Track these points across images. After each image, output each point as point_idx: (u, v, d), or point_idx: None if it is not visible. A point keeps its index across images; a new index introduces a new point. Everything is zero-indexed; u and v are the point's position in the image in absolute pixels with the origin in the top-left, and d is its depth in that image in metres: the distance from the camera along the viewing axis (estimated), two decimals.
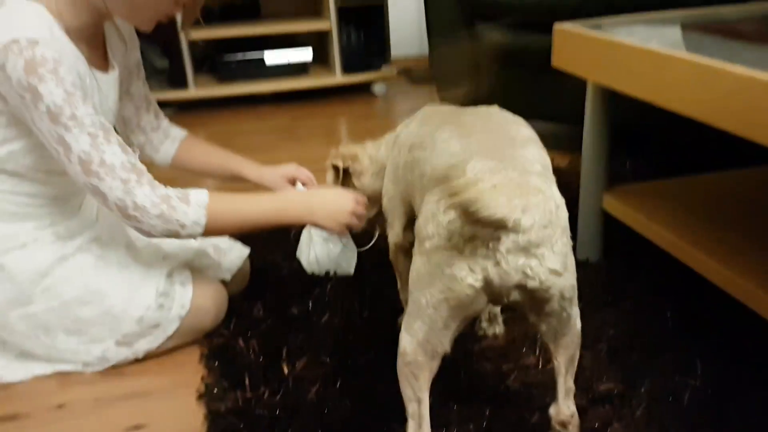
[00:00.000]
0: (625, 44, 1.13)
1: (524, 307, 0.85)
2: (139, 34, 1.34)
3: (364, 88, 3.21)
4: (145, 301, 1.24)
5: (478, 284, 0.79)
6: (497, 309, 1.28)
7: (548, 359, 1.19)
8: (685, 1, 1.59)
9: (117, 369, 1.27)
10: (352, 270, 1.40)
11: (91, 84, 1.15)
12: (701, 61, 0.96)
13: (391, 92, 3.23)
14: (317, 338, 1.29)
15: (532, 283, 0.79)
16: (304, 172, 1.46)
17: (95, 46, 1.21)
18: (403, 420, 0.90)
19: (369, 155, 1.29)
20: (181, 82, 2.90)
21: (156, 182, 1.13)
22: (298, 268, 1.53)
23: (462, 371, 1.19)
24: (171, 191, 1.13)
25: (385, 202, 1.20)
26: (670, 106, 1.04)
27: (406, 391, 0.89)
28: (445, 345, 0.85)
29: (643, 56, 1.09)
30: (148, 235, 1.14)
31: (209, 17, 3.02)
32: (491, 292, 0.80)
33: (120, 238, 1.31)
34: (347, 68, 3.09)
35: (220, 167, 1.48)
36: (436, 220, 0.80)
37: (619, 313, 1.31)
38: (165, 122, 1.47)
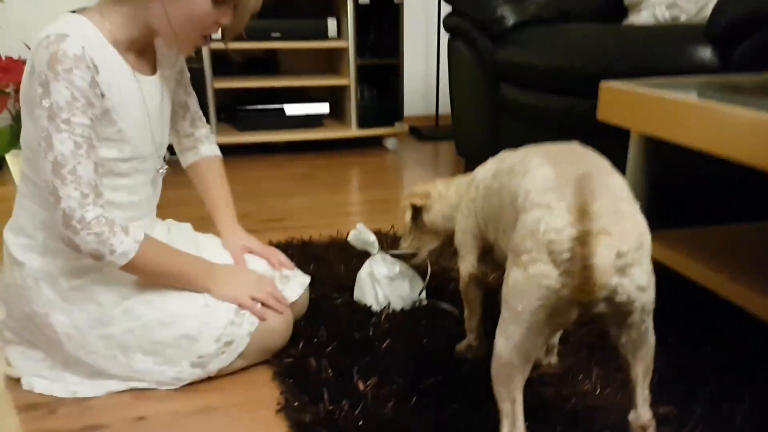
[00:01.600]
0: (678, 98, 1.27)
1: (608, 318, 0.94)
2: None
3: (376, 142, 3.36)
4: (221, 321, 1.30)
5: (571, 295, 0.86)
6: (556, 340, 1.37)
7: (605, 386, 1.28)
8: (701, 69, 1.76)
9: (192, 386, 1.31)
10: (423, 296, 1.54)
11: (129, 88, 1.23)
12: (754, 113, 1.10)
13: (401, 147, 3.38)
14: (383, 360, 1.35)
15: (620, 298, 0.88)
16: (265, 251, 1.52)
17: (144, 54, 1.29)
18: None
19: (438, 193, 1.42)
20: None
21: (107, 209, 1.19)
22: (349, 299, 1.61)
23: (526, 394, 1.26)
24: (116, 219, 1.19)
25: (458, 236, 1.31)
26: (721, 154, 1.17)
27: (500, 391, 0.97)
28: (537, 349, 0.94)
29: (695, 109, 1.23)
30: (73, 248, 1.17)
31: (231, 70, 3.17)
32: (582, 303, 0.89)
33: None
34: (362, 123, 3.23)
35: (209, 204, 1.55)
36: (535, 237, 0.89)
37: (665, 348, 1.40)
38: (202, 132, 1.53)
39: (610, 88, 1.47)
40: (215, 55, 2.96)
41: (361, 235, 1.61)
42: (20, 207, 1.29)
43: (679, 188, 1.67)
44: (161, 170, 1.38)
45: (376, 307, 1.56)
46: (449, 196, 1.39)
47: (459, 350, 1.38)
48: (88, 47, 1.14)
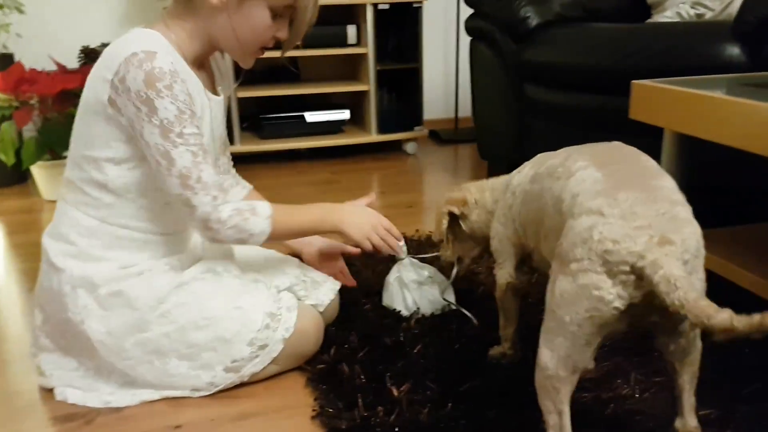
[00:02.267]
0: (712, 96, 1.25)
1: (658, 327, 0.91)
2: None
3: (396, 146, 3.35)
4: (255, 324, 1.30)
5: (624, 307, 0.84)
6: None
7: (644, 389, 1.26)
8: (730, 67, 1.73)
9: (225, 393, 1.31)
10: (452, 299, 1.53)
11: (203, 104, 1.26)
12: None
13: (421, 151, 3.37)
14: (416, 365, 1.34)
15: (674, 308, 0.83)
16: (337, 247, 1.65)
17: (207, 72, 1.34)
18: None
19: (475, 199, 1.39)
20: (228, 138, 3.01)
21: (233, 198, 1.27)
22: (379, 304, 1.60)
23: None
24: (242, 205, 1.26)
25: (495, 243, 1.29)
26: (755, 150, 1.15)
27: (545, 403, 0.93)
28: (586, 361, 0.90)
29: (729, 106, 1.21)
30: (219, 242, 1.30)
31: (253, 79, 3.19)
32: (634, 314, 0.86)
33: (231, 267, 1.38)
34: (382, 128, 3.23)
35: None
36: (587, 246, 0.85)
37: (704, 350, 1.37)
38: (234, 170, 1.57)
39: (643, 86, 1.45)
40: (237, 65, 2.97)
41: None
42: (63, 214, 1.30)
43: (713, 188, 1.64)
44: None
45: (405, 312, 1.55)
46: (485, 201, 1.37)
47: (492, 355, 1.36)
48: (175, 62, 1.18)
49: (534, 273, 1.30)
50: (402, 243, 1.58)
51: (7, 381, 1.40)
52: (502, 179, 1.34)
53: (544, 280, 0.99)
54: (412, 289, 1.56)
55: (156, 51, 1.15)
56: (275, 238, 1.32)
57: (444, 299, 1.56)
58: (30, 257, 2.02)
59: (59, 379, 1.33)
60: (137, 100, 1.15)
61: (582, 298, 0.85)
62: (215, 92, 1.35)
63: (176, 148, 1.17)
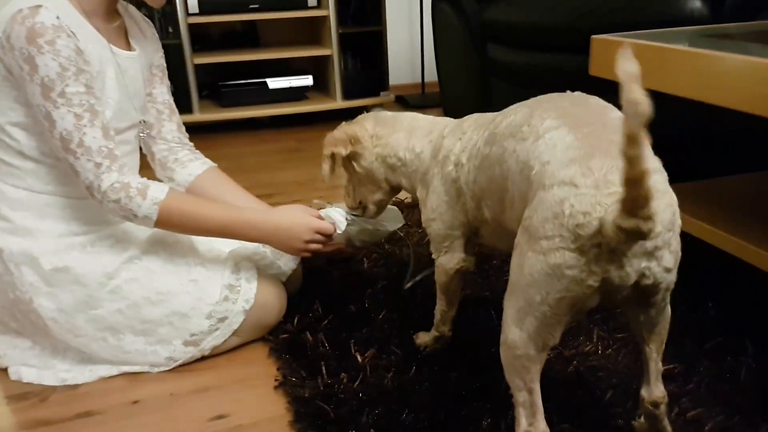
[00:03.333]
0: (671, 48, 1.23)
1: (630, 301, 0.87)
2: None
3: (361, 113, 3.29)
4: (212, 297, 1.26)
5: (597, 284, 0.80)
6: None
7: (606, 346, 1.26)
8: (692, 21, 1.71)
9: (186, 366, 1.28)
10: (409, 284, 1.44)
11: (103, 58, 1.19)
12: (747, 58, 1.06)
13: None
14: (381, 332, 1.32)
15: (646, 281, 0.81)
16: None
17: (116, 26, 1.25)
18: (483, 401, 0.91)
19: (372, 135, 1.24)
20: (185, 107, 2.92)
21: (126, 169, 1.17)
22: (346, 272, 1.58)
23: None
24: (133, 181, 1.16)
25: (436, 226, 1.16)
26: (720, 103, 1.14)
27: (515, 381, 0.89)
28: (555, 338, 0.86)
29: (688, 57, 1.19)
30: (109, 214, 1.20)
31: (210, 45, 3.10)
32: (607, 290, 0.82)
33: (184, 239, 1.34)
34: (347, 94, 3.17)
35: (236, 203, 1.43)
36: (558, 221, 0.79)
37: None
38: (191, 144, 1.47)
39: (603, 41, 1.42)
40: (193, 30, 2.88)
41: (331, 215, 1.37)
42: None
43: (671, 143, 1.63)
44: (142, 134, 1.37)
45: (341, 226, 1.34)
46: (395, 140, 1.21)
47: (424, 342, 1.27)
48: (63, 16, 1.10)
49: (478, 248, 1.22)
50: (341, 217, 1.36)
51: None
52: (425, 123, 1.21)
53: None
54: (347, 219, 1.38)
55: (41, 5, 1.08)
56: (170, 228, 1.23)
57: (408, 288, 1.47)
58: None
59: (13, 359, 1.29)
60: (20, 58, 1.09)
61: (553, 279, 0.81)
62: (128, 47, 1.29)
63: (57, 109, 1.11)
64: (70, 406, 1.18)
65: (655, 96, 1.34)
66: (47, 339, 1.26)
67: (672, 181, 0.89)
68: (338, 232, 1.32)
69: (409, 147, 1.21)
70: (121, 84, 1.23)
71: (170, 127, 1.42)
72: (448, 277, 1.19)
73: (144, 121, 1.36)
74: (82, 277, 1.21)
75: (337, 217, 1.34)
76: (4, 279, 1.22)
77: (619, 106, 0.65)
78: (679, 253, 0.84)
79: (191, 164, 1.43)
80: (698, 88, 1.18)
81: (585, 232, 0.77)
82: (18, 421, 1.16)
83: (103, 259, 1.23)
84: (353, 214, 1.35)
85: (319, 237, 1.29)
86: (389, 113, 1.28)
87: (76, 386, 1.24)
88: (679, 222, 0.83)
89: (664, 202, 0.80)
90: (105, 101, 1.20)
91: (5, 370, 1.28)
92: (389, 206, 1.41)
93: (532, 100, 1.02)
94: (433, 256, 1.20)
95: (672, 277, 0.84)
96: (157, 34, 1.40)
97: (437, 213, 1.14)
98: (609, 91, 1.46)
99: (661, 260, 0.80)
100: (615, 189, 0.77)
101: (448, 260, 1.17)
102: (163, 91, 1.41)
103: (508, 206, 0.98)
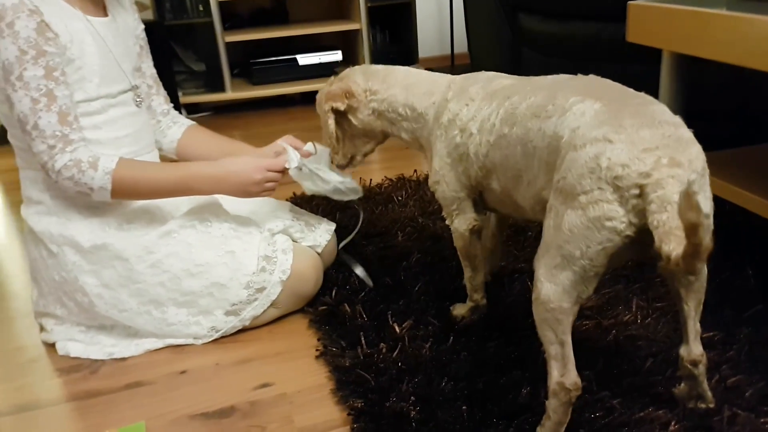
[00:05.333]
0: (717, 13, 1.20)
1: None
2: (172, 42, 1.39)
3: None
4: (249, 268, 1.29)
5: (635, 234, 0.82)
6: None
7: (645, 315, 1.26)
8: None
9: (229, 338, 1.31)
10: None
11: (76, 29, 1.20)
12: None
13: None
14: (417, 303, 1.34)
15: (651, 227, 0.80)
16: (293, 141, 1.43)
17: None
18: (521, 370, 0.93)
19: (365, 89, 1.24)
20: (218, 86, 2.95)
21: (79, 148, 1.18)
22: (380, 245, 1.59)
23: None
24: (83, 156, 1.18)
25: (441, 189, 1.18)
26: (758, 67, 1.11)
27: (547, 334, 0.91)
28: (590, 290, 0.88)
29: (730, 21, 1.16)
30: (66, 192, 1.21)
31: (241, 23, 3.11)
32: (643, 241, 0.82)
33: (220, 213, 1.36)
34: None
35: (222, 152, 1.44)
36: (595, 175, 0.82)
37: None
38: (174, 111, 1.50)
39: (640, 6, 1.39)
40: (223, 8, 2.89)
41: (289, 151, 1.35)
42: (22, 179, 1.29)
43: (713, 110, 1.60)
44: (138, 100, 1.35)
45: (293, 164, 1.34)
46: (390, 94, 1.21)
47: (460, 314, 1.28)
48: None
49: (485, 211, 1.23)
50: (294, 156, 1.35)
51: (11, 337, 1.41)
52: (424, 80, 1.21)
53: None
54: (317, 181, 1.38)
55: None
56: (124, 196, 1.24)
57: (341, 255, 1.48)
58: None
59: (60, 334, 1.33)
60: None
61: (594, 231, 0.83)
62: (104, 14, 1.29)
63: (15, 93, 1.13)
64: (120, 378, 1.23)
65: (696, 62, 1.32)
66: (94, 320, 1.31)
67: (713, 148, 0.88)
68: (288, 167, 1.33)
69: (408, 103, 1.21)
70: (103, 50, 1.25)
71: (158, 100, 1.47)
72: (464, 240, 1.21)
73: (137, 87, 1.36)
74: (122, 252, 1.25)
75: (292, 154, 1.35)
76: (48, 262, 1.26)
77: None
78: (712, 201, 0.86)
79: (170, 131, 1.48)
80: (740, 53, 1.16)
81: (624, 183, 0.80)
82: (70, 392, 1.21)
83: (140, 235, 1.27)
84: (313, 165, 1.35)
85: (271, 175, 1.29)
86: (378, 66, 1.28)
87: (123, 359, 1.28)
88: (707, 170, 0.86)
89: (695, 150, 0.83)
90: (89, 69, 1.21)
91: (54, 345, 1.33)
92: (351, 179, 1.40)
93: (548, 81, 1.04)
94: (447, 222, 1.23)
95: (709, 225, 0.85)
96: (135, 5, 1.41)
97: (440, 175, 1.17)
98: (646, 58, 1.45)
99: None
100: (649, 145, 0.81)
101: (460, 222, 1.20)
102: (149, 65, 1.44)
103: (524, 184, 1.01)
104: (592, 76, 1.03)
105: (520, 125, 1.00)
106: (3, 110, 1.22)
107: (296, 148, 1.39)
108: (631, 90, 0.96)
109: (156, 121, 1.47)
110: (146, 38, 1.44)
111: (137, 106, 1.35)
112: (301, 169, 1.34)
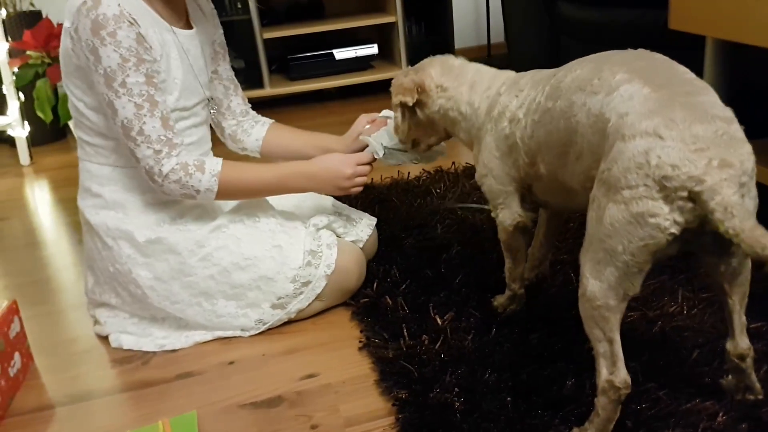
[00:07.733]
0: None
1: (710, 249, 0.87)
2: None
3: None
4: (296, 262, 1.32)
5: (679, 233, 0.81)
6: None
7: (691, 306, 1.24)
8: None
9: (274, 330, 1.34)
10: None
11: (165, 41, 1.23)
12: None
13: None
14: (458, 295, 1.35)
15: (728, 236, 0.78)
16: (370, 117, 1.50)
17: (173, 6, 1.29)
18: (566, 361, 0.93)
19: (438, 84, 1.23)
20: (257, 82, 2.99)
21: (183, 152, 1.22)
22: (419, 238, 1.60)
23: None
24: (190, 160, 1.22)
25: (488, 183, 1.18)
26: None
27: (594, 332, 0.90)
28: (636, 287, 0.87)
29: None
30: (168, 196, 1.26)
31: (277, 18, 3.13)
32: (687, 238, 0.82)
33: (267, 208, 1.39)
34: (413, 61, 3.15)
35: (307, 145, 1.52)
36: (643, 171, 0.80)
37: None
38: (252, 111, 1.56)
39: None
40: (260, 4, 2.92)
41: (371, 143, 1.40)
42: (82, 171, 1.33)
43: (758, 98, 1.56)
44: (212, 110, 1.46)
45: (380, 152, 1.39)
46: (459, 92, 1.21)
47: (501, 304, 1.29)
48: (123, 4, 1.15)
49: (536, 207, 1.21)
50: (379, 146, 1.39)
51: (64, 328, 1.46)
52: (487, 77, 1.20)
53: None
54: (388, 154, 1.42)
55: None
56: (227, 197, 1.29)
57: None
58: (75, 211, 2.07)
59: (113, 326, 1.38)
60: (87, 49, 1.15)
61: (636, 227, 0.82)
62: (188, 27, 1.33)
63: (119, 99, 1.16)
64: (171, 368, 1.27)
65: (739, 47, 1.29)
66: (146, 311, 1.35)
67: (755, 136, 0.87)
68: (377, 158, 1.38)
69: (470, 101, 1.21)
70: (185, 63, 1.29)
71: (237, 101, 1.51)
72: (507, 234, 1.21)
73: (211, 98, 1.41)
74: (174, 246, 1.29)
75: (376, 145, 1.38)
76: (103, 253, 1.31)
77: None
78: (757, 200, 0.84)
79: (254, 130, 1.53)
80: None
81: (672, 184, 0.79)
82: (123, 382, 1.25)
83: (192, 230, 1.30)
84: (391, 147, 1.38)
85: (361, 168, 1.34)
86: (456, 61, 1.28)
87: (174, 351, 1.32)
88: (755, 170, 0.83)
89: (746, 151, 0.81)
90: (171, 82, 1.25)
91: (106, 338, 1.38)
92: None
93: (594, 55, 1.02)
94: (492, 215, 1.23)
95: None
96: (215, 10, 1.46)
97: (488, 169, 1.17)
98: (689, 45, 1.42)
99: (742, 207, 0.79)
100: (701, 144, 0.79)
101: (505, 216, 1.19)
102: (227, 68, 1.48)
103: (572, 160, 0.99)
104: (641, 50, 0.99)
105: (564, 98, 0.98)
106: (77, 105, 1.25)
107: (372, 121, 1.46)
108: (681, 68, 0.93)
109: (236, 121, 1.52)
110: (224, 42, 1.47)
111: (211, 116, 1.42)
112: (384, 153, 1.39)
